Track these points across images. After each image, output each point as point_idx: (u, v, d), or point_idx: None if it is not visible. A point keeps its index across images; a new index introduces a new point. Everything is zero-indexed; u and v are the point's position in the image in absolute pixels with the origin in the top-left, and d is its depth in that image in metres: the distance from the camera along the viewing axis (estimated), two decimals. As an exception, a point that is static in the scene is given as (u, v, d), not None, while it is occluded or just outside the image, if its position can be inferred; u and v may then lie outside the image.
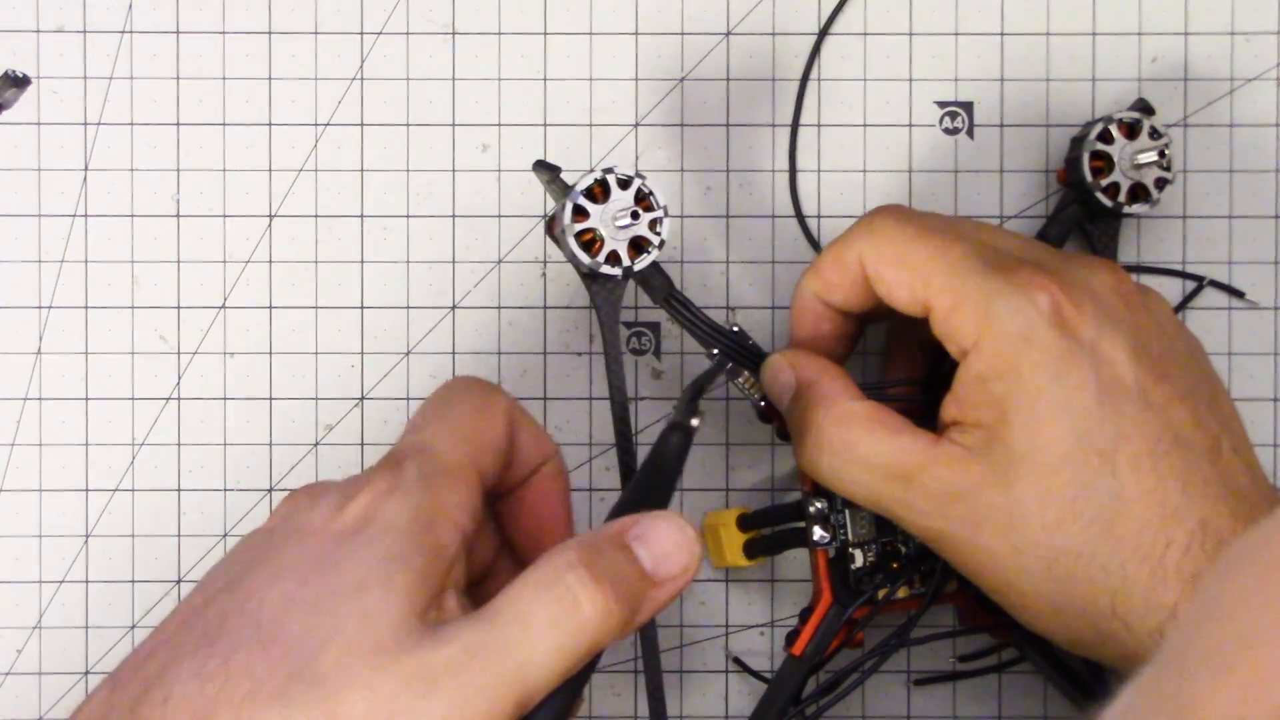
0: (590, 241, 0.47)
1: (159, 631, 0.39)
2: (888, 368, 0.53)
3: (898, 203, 0.49)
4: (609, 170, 0.47)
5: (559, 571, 0.38)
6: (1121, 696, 0.31)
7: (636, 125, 0.55)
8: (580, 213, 0.47)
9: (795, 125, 0.55)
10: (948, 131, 0.55)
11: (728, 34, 0.55)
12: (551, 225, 0.49)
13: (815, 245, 0.54)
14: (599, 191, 0.47)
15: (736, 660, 0.54)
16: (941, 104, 0.55)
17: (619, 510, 0.42)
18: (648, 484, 0.43)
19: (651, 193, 0.47)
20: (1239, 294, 0.55)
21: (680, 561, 0.40)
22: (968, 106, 0.55)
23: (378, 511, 0.39)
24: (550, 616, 0.37)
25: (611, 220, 0.47)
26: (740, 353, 0.49)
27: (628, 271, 0.47)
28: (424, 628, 0.37)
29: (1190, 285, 0.55)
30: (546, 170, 0.48)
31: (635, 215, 0.47)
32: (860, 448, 0.44)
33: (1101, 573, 0.41)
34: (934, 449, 0.43)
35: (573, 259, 0.47)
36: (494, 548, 0.45)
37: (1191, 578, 0.41)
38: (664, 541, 0.40)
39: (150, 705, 0.37)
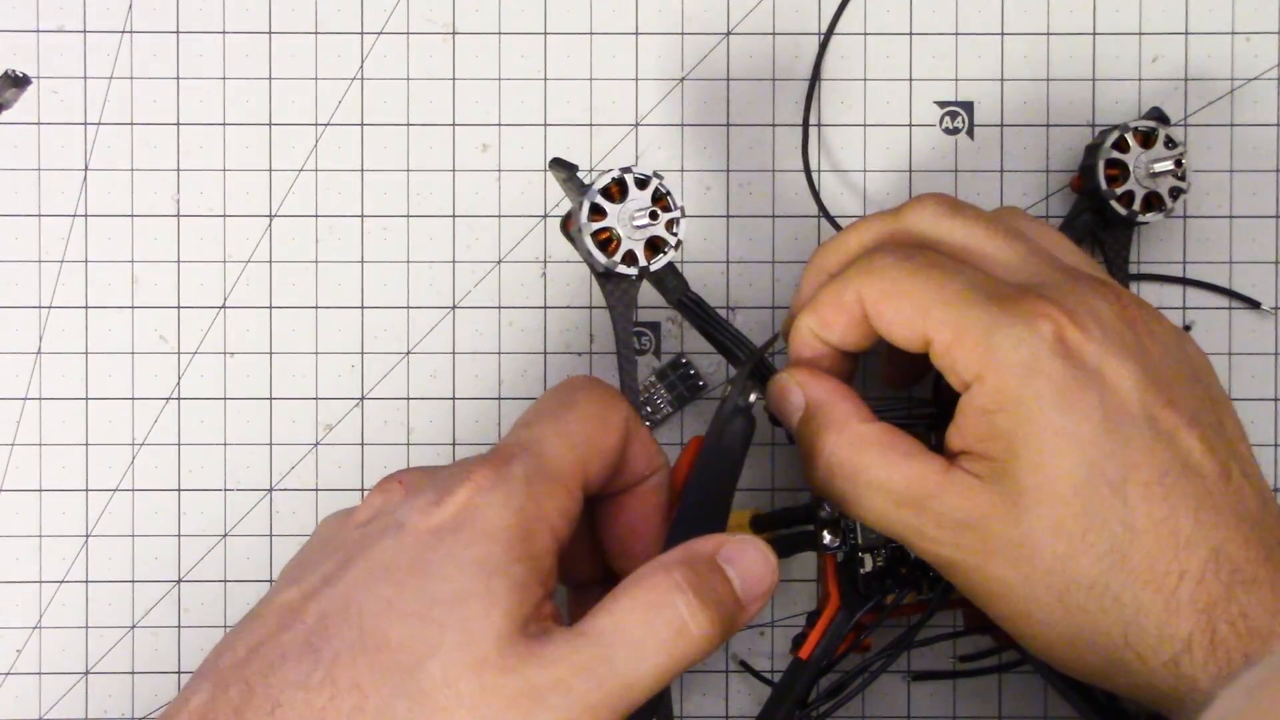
0: (606, 241, 0.47)
1: (254, 626, 0.39)
2: (884, 369, 0.52)
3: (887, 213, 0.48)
4: (627, 169, 0.47)
5: (670, 595, 0.39)
6: (1225, 698, 0.31)
7: (636, 125, 0.55)
8: (597, 212, 0.47)
9: (805, 124, 0.55)
10: (948, 131, 0.55)
11: (728, 34, 0.55)
12: (566, 223, 0.49)
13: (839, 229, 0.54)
14: (616, 191, 0.47)
15: (742, 663, 0.54)
16: (941, 104, 0.55)
17: (690, 510, 0.43)
18: (713, 477, 0.44)
19: (669, 193, 0.47)
20: (1250, 301, 0.55)
21: (765, 585, 0.41)
22: (968, 106, 0.55)
23: (476, 511, 0.39)
24: (662, 641, 0.38)
25: (629, 220, 0.47)
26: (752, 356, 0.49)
27: (644, 271, 0.47)
28: (527, 642, 0.37)
29: (1189, 290, 0.55)
30: (563, 168, 0.48)
31: (654, 215, 0.47)
32: (872, 473, 0.43)
33: (1114, 604, 0.41)
34: (945, 476, 0.42)
35: (588, 258, 0.47)
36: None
37: (1205, 608, 0.40)
38: (753, 566, 0.41)
39: (256, 712, 0.37)
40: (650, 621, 0.38)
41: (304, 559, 0.41)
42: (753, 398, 0.44)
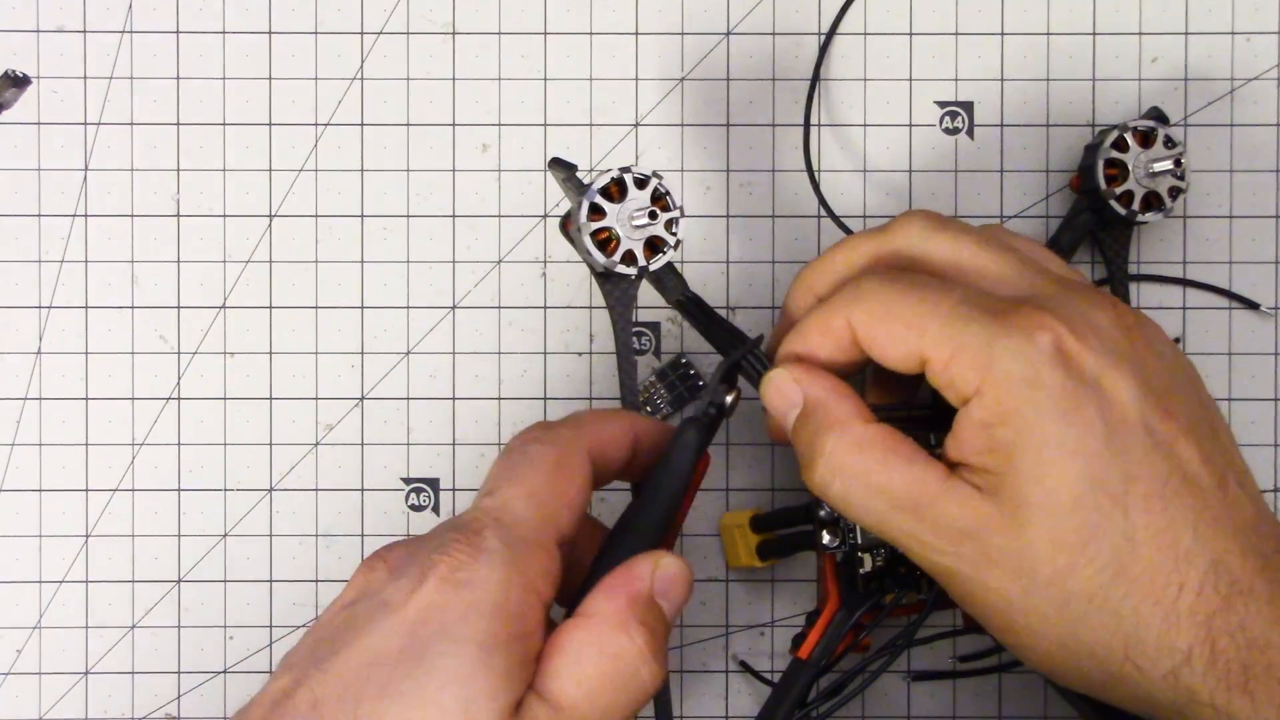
0: (605, 240, 0.47)
1: (248, 715, 0.39)
2: (869, 392, 0.51)
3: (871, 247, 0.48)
4: (626, 169, 0.47)
5: (635, 664, 0.40)
6: None
7: (636, 125, 0.55)
8: (596, 211, 0.47)
9: (806, 124, 0.55)
10: (948, 131, 0.55)
11: (728, 34, 0.55)
12: (566, 223, 0.49)
13: (843, 228, 0.54)
14: (615, 190, 0.47)
15: (742, 663, 0.54)
16: (941, 104, 0.55)
17: (628, 521, 0.43)
18: (657, 488, 0.43)
19: (668, 192, 0.47)
20: (1249, 301, 0.55)
21: (682, 604, 0.43)
22: (968, 106, 0.55)
23: (462, 588, 0.39)
24: (629, 704, 0.40)
25: (628, 219, 0.47)
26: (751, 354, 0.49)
27: (643, 271, 0.47)
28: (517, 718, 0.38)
29: (1188, 290, 0.55)
30: (563, 168, 0.48)
31: (653, 215, 0.47)
32: (873, 475, 0.43)
33: (1114, 617, 0.41)
34: (945, 484, 0.42)
35: (587, 257, 0.47)
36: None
37: (1204, 620, 0.40)
38: (680, 593, 0.42)
39: None
40: (618, 689, 0.40)
41: (297, 646, 0.40)
42: (729, 399, 0.44)
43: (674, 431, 0.44)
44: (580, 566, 0.44)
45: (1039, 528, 0.41)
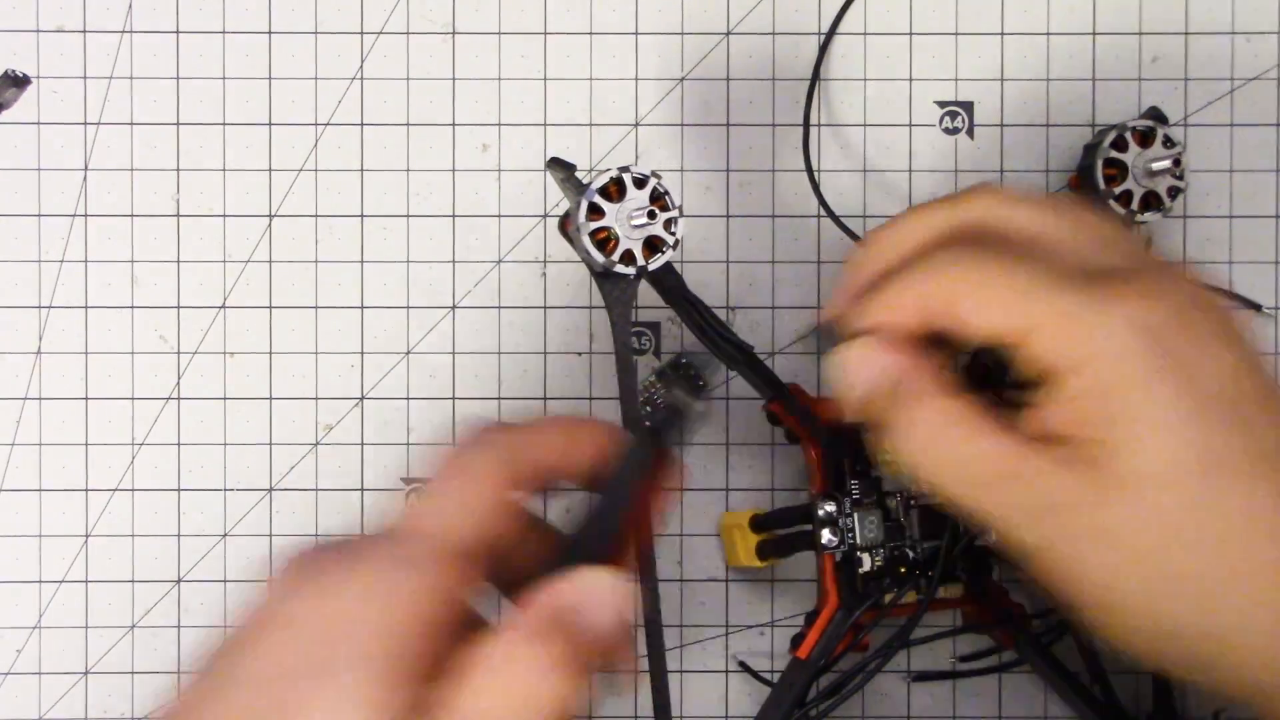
0: (604, 240, 0.47)
1: None
2: None
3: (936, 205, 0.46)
4: (624, 169, 0.47)
5: (537, 677, 0.37)
6: None
7: (636, 125, 0.55)
8: (595, 211, 0.47)
9: (806, 123, 0.55)
10: (948, 131, 0.55)
11: (728, 34, 0.55)
12: (565, 223, 0.49)
13: (850, 234, 0.54)
14: (614, 190, 0.47)
15: (742, 664, 0.54)
16: (941, 104, 0.55)
17: (575, 535, 0.41)
18: (600, 506, 0.41)
19: (667, 192, 0.47)
20: (1250, 302, 0.55)
21: (609, 620, 0.39)
22: (968, 106, 0.55)
23: (369, 602, 0.38)
24: (529, 717, 0.37)
25: (627, 219, 0.47)
26: (746, 355, 0.49)
27: (642, 271, 0.47)
28: None
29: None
30: (562, 168, 0.48)
31: (652, 214, 0.47)
32: (960, 448, 0.41)
33: (1203, 596, 0.40)
34: (1034, 459, 0.41)
35: (586, 258, 0.47)
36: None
37: None
38: (603, 606, 0.39)
39: None
40: (519, 704, 0.37)
41: (205, 661, 0.40)
42: (699, 405, 0.43)
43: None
44: (528, 571, 0.43)
45: (1129, 504, 0.40)
